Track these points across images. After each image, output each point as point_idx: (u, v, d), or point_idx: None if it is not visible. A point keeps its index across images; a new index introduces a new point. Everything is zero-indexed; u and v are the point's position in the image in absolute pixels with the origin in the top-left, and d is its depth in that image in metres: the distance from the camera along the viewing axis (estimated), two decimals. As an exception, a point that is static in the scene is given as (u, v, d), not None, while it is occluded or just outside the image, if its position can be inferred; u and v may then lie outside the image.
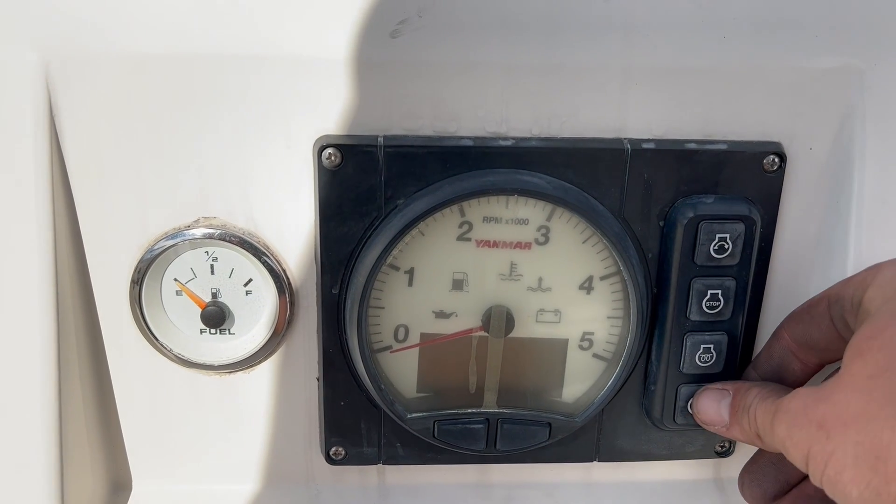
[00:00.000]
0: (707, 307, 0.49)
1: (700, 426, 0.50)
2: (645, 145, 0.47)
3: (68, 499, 0.51)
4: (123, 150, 0.46)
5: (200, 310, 0.51)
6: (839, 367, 0.48)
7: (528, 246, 0.48)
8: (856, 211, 0.49)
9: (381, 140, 0.46)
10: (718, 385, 0.49)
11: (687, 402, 0.51)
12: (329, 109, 0.46)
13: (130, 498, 0.56)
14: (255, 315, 0.52)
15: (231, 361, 0.52)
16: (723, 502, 0.58)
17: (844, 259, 0.50)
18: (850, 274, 0.49)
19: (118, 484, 0.57)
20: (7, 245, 0.46)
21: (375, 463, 0.54)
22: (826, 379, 0.48)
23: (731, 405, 0.47)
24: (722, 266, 0.48)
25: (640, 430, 0.55)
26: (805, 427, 0.39)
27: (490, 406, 0.52)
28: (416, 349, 0.51)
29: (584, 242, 0.48)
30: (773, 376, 0.50)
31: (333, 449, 0.54)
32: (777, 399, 0.42)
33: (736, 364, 0.51)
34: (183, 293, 0.51)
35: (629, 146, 0.47)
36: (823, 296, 0.46)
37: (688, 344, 0.50)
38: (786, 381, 0.49)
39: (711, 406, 0.48)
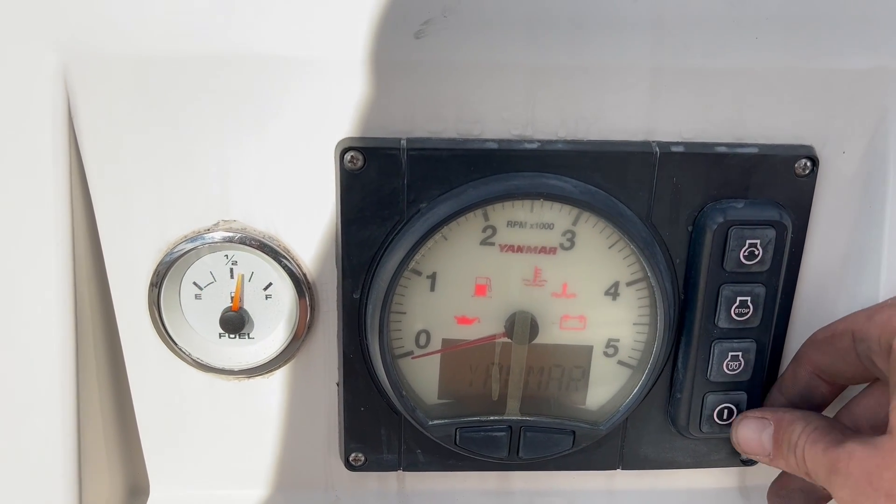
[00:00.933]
0: (736, 314, 0.48)
1: (727, 438, 0.50)
2: (674, 148, 0.46)
3: (86, 503, 0.50)
4: (142, 152, 0.46)
5: (225, 312, 0.50)
6: (865, 387, 0.48)
7: (553, 251, 0.48)
8: (889, 216, 0.48)
9: (404, 143, 0.45)
10: (757, 413, 0.49)
11: (713, 411, 0.51)
12: (351, 111, 0.45)
13: (148, 502, 0.55)
14: (275, 319, 0.51)
15: (250, 366, 0.51)
16: (748, 511, 0.57)
17: (878, 266, 0.49)
18: (882, 283, 0.49)
19: (135, 488, 0.56)
20: (25, 248, 0.46)
21: (395, 469, 0.54)
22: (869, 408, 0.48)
23: (774, 438, 0.47)
24: (752, 272, 0.47)
25: (665, 438, 0.54)
26: (872, 497, 0.39)
27: (513, 413, 0.51)
28: (438, 355, 0.50)
29: (610, 247, 0.47)
30: (799, 399, 0.50)
31: (353, 455, 0.53)
32: (827, 447, 0.42)
33: (764, 373, 0.50)
34: (202, 296, 0.50)
35: (658, 149, 0.46)
36: (846, 329, 0.46)
37: (715, 351, 0.49)
38: (813, 403, 0.49)
39: (753, 437, 0.48)
